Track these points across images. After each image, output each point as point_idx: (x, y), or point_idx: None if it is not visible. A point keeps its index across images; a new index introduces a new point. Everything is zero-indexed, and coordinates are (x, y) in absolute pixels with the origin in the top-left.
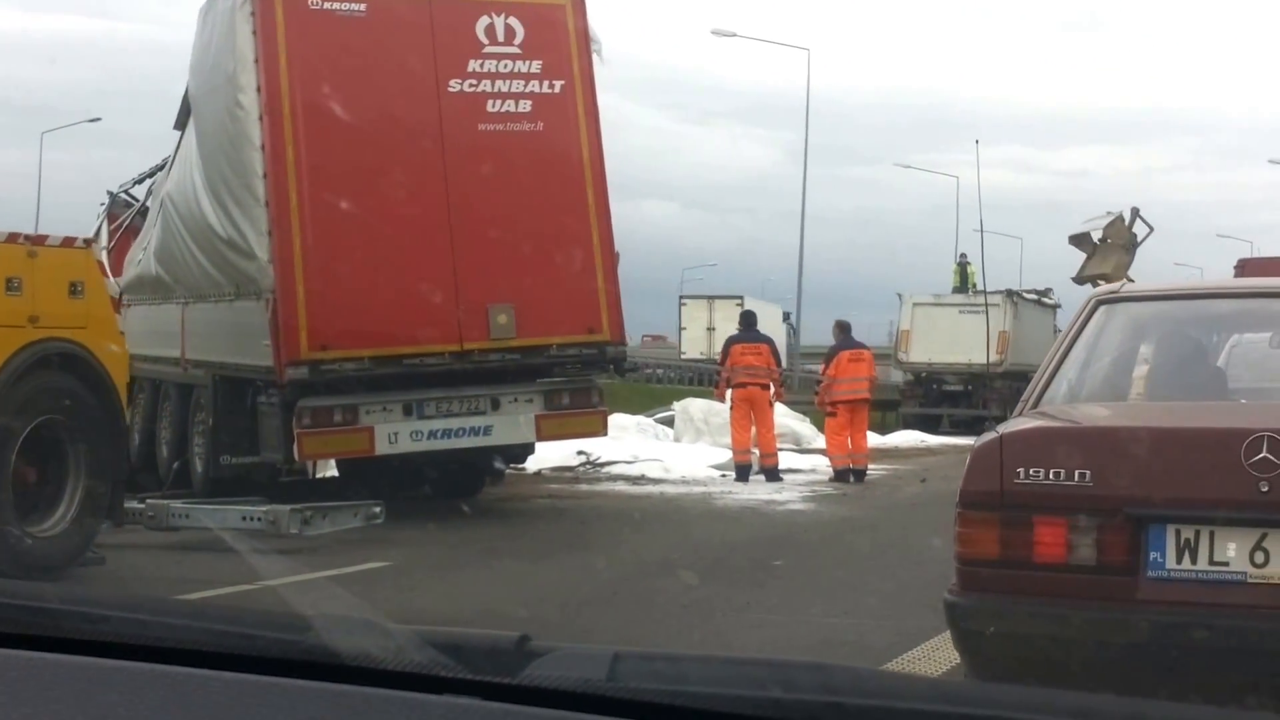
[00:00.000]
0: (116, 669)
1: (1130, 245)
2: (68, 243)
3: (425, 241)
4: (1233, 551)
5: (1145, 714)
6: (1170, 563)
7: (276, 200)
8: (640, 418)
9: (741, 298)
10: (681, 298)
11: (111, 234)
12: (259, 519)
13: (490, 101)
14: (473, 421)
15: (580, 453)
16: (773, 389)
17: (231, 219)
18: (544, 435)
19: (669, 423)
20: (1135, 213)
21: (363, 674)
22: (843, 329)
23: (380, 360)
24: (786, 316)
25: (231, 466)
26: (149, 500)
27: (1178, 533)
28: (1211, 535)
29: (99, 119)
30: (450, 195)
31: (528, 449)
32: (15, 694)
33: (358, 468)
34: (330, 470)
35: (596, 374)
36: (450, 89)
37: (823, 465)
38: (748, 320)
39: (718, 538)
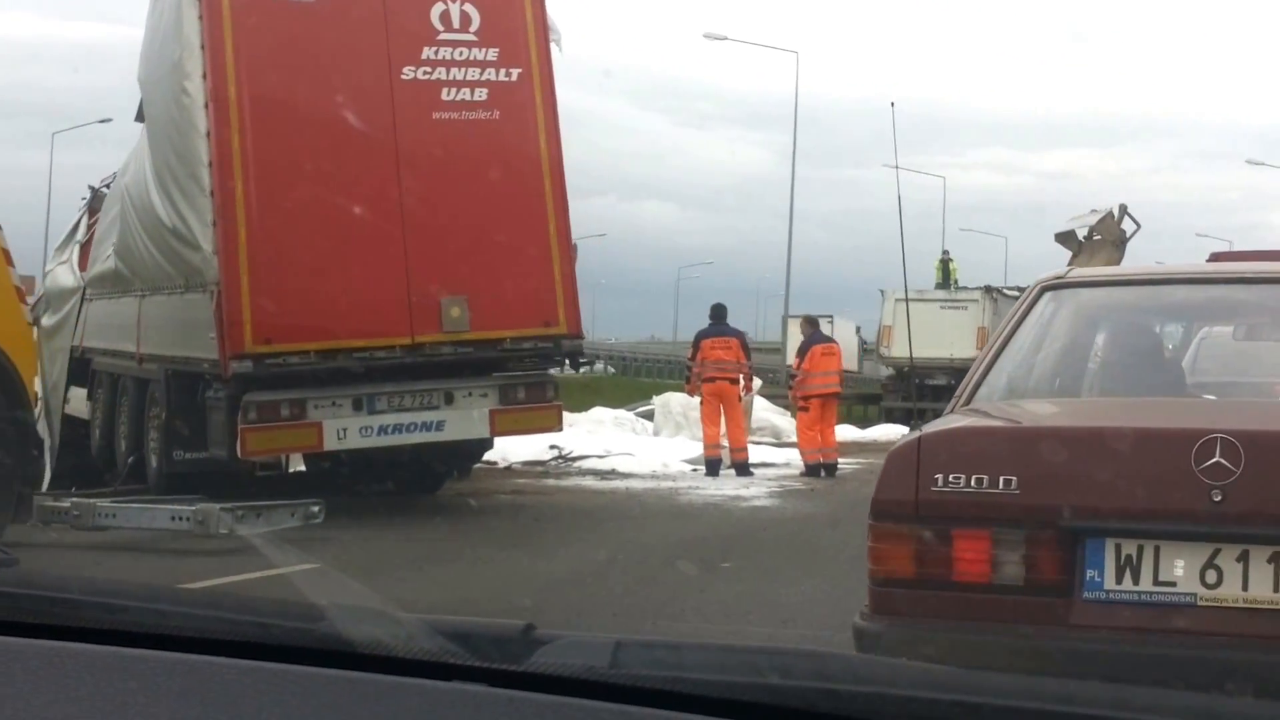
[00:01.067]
0: (136, 657)
1: (1120, 241)
2: None
3: (376, 232)
4: (1181, 570)
5: (1129, 700)
6: (1109, 582)
7: (221, 190)
8: (619, 411)
9: (831, 316)
10: (784, 316)
11: (90, 228)
12: (188, 518)
13: (445, 89)
14: (425, 416)
15: (553, 446)
16: (743, 383)
17: (177, 209)
18: (498, 430)
19: (650, 416)
20: (1124, 209)
21: (374, 661)
22: (812, 324)
23: (327, 354)
24: (858, 330)
25: (185, 462)
26: (73, 499)
27: (1118, 548)
28: (1157, 551)
29: (109, 119)
30: (403, 185)
31: (484, 444)
32: (38, 682)
33: (321, 462)
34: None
35: (551, 368)
36: (404, 76)
37: (797, 459)
38: (717, 314)
39: (673, 536)
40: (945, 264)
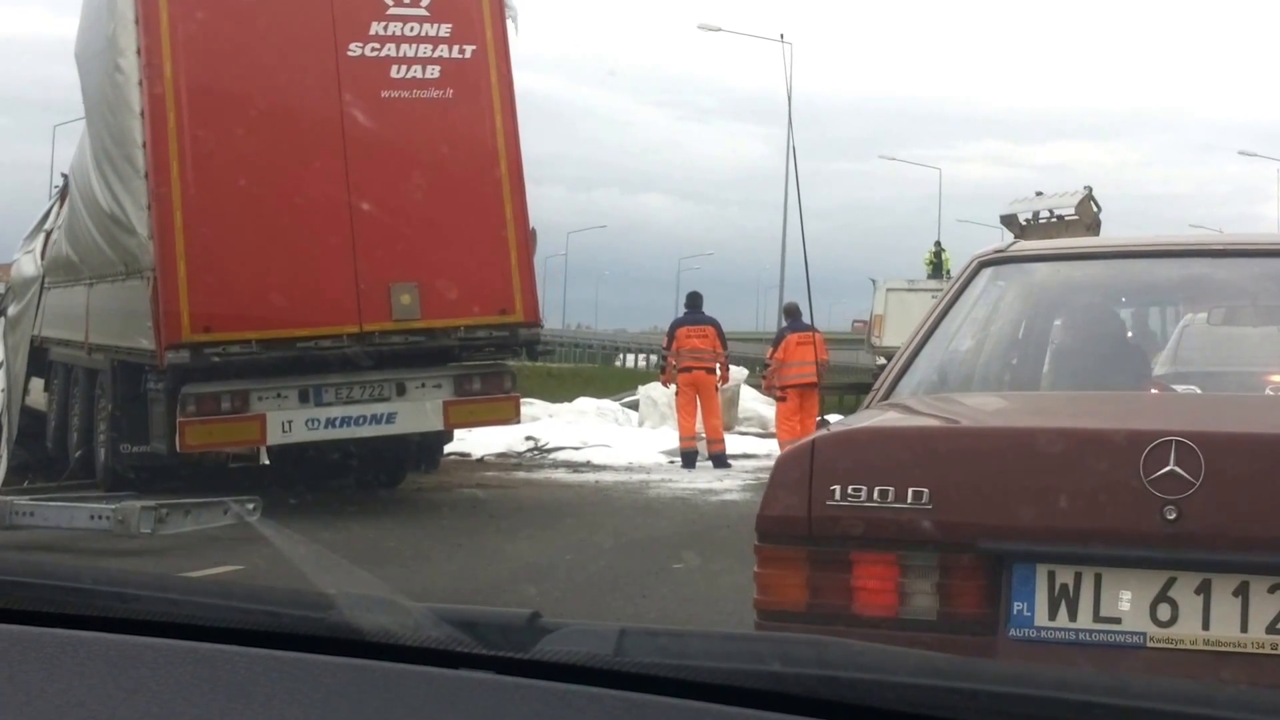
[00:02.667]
0: (148, 645)
1: (1095, 225)
2: None
3: (321, 215)
4: (1127, 604)
5: (1126, 687)
6: (1041, 617)
7: (156, 171)
8: (603, 401)
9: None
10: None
11: (60, 216)
12: (108, 517)
13: (394, 67)
14: (375, 409)
15: (529, 438)
16: (719, 372)
17: (113, 192)
18: (452, 423)
19: (635, 406)
20: (1089, 192)
21: (383, 649)
22: (790, 313)
23: (270, 343)
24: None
25: (132, 456)
26: None
27: (1051, 576)
28: (1098, 580)
29: None
30: (349, 166)
31: (442, 437)
32: (51, 670)
33: (283, 454)
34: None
35: (509, 357)
36: (350, 53)
37: (778, 451)
38: (693, 302)
39: (629, 534)
40: (938, 254)
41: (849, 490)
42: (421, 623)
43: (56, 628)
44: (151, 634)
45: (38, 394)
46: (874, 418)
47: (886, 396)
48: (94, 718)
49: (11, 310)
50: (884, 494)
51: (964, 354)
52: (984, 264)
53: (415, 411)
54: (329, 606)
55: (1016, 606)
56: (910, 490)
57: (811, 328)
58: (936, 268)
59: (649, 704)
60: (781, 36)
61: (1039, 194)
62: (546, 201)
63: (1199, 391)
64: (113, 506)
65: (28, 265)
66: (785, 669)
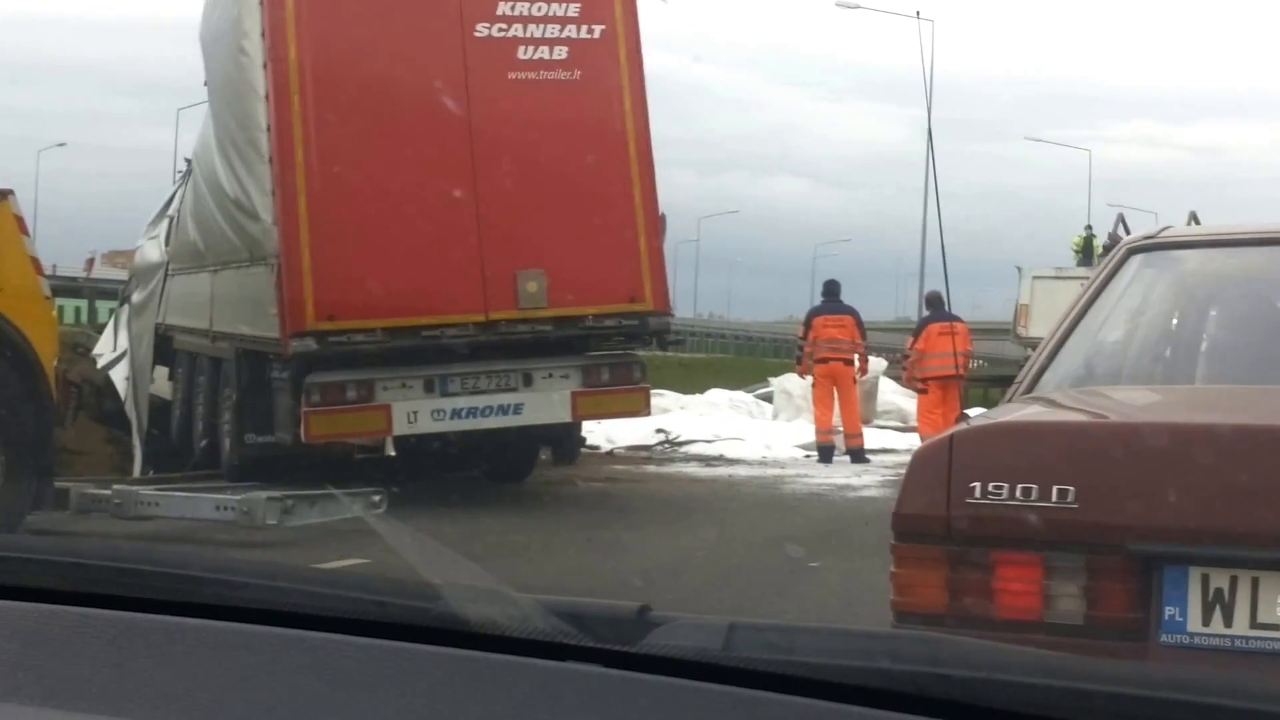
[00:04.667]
0: (255, 634)
1: None
2: None
3: (447, 201)
4: None
5: (1247, 688)
6: (1194, 623)
7: (281, 156)
8: (735, 393)
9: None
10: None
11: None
12: (233, 508)
13: (521, 48)
14: (501, 399)
15: (659, 430)
16: (858, 363)
17: (238, 177)
18: (580, 414)
19: (770, 399)
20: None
21: (489, 641)
22: (931, 302)
23: (394, 332)
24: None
25: (256, 446)
26: (115, 486)
27: (1205, 579)
28: (1255, 584)
29: None
30: (475, 150)
31: (569, 428)
32: (160, 657)
33: (409, 445)
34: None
35: (639, 347)
36: (477, 34)
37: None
38: (830, 290)
39: (763, 530)
40: (1088, 240)
41: (990, 488)
42: (529, 614)
43: (165, 615)
44: (259, 622)
45: (162, 382)
46: (1016, 412)
47: (1030, 390)
48: (201, 704)
49: (136, 297)
50: (1027, 492)
51: (1112, 345)
52: (1133, 251)
53: (543, 402)
54: (436, 597)
55: (1168, 611)
56: (1055, 488)
57: (954, 317)
58: (1086, 254)
59: (756, 700)
60: (918, 14)
61: (1120, 216)
62: (674, 185)
63: None
64: (238, 498)
65: (152, 251)
66: (895, 666)
